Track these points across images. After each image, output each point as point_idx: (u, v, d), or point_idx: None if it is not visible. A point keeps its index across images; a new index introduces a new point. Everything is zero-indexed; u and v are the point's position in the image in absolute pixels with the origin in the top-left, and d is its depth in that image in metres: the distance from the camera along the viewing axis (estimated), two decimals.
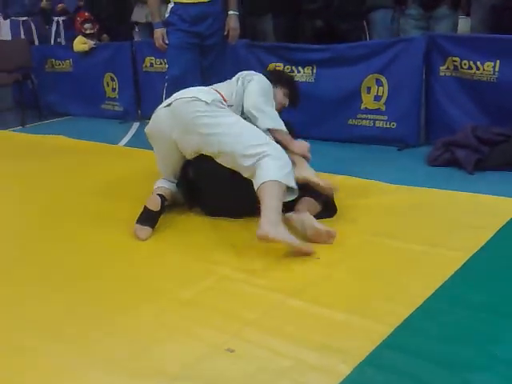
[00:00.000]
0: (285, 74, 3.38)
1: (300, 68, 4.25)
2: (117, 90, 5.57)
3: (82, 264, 2.32)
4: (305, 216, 2.41)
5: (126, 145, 4.53)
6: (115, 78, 5.55)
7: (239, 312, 1.88)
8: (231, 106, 2.72)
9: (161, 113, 2.67)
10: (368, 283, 2.05)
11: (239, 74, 2.91)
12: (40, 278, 2.21)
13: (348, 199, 2.77)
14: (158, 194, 2.63)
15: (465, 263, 2.12)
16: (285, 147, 2.59)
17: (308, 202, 2.55)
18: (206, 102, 2.56)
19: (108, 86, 5.62)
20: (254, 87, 2.75)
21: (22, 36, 6.16)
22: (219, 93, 2.72)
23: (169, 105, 2.64)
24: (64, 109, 5.89)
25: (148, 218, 2.55)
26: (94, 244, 2.51)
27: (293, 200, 2.49)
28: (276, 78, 2.96)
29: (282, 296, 1.96)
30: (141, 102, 5.43)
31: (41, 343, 1.77)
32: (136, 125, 5.21)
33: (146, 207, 2.56)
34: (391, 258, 2.24)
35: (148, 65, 5.26)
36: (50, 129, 5.22)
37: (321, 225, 2.39)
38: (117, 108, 5.61)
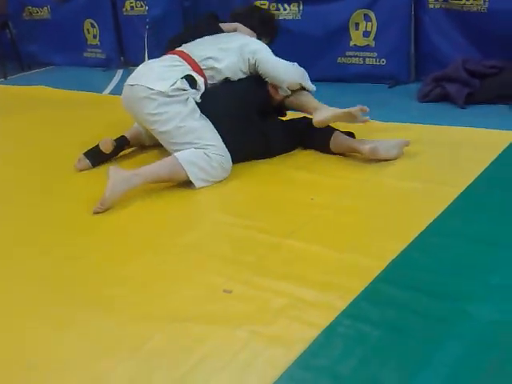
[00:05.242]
0: (268, 21, 3.01)
1: (286, 5, 4.12)
2: (98, 36, 5.40)
3: (75, 219, 2.27)
4: (375, 142, 2.50)
5: (110, 93, 4.42)
6: (95, 24, 5.36)
7: (236, 256, 1.88)
8: (205, 68, 2.59)
9: (126, 91, 2.60)
10: (362, 221, 2.06)
11: (223, 39, 2.72)
12: (33, 234, 2.19)
13: None
14: (118, 138, 2.79)
15: (458, 196, 2.13)
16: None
17: (340, 134, 2.59)
18: (160, 92, 2.43)
19: (89, 32, 5.45)
20: (273, 58, 2.65)
21: None
22: (187, 59, 2.58)
23: (131, 85, 2.55)
24: (46, 58, 5.73)
25: (94, 156, 2.73)
26: (87, 199, 2.37)
27: (325, 139, 2.59)
28: (262, 31, 2.85)
29: (277, 238, 1.96)
30: (123, 47, 5.29)
31: (40, 294, 1.77)
32: (120, 72, 5.08)
33: (98, 146, 2.74)
34: (385, 195, 2.24)
35: (128, 8, 5.08)
36: (32, 80, 5.08)
37: (393, 141, 2.54)
38: (99, 55, 5.46)
